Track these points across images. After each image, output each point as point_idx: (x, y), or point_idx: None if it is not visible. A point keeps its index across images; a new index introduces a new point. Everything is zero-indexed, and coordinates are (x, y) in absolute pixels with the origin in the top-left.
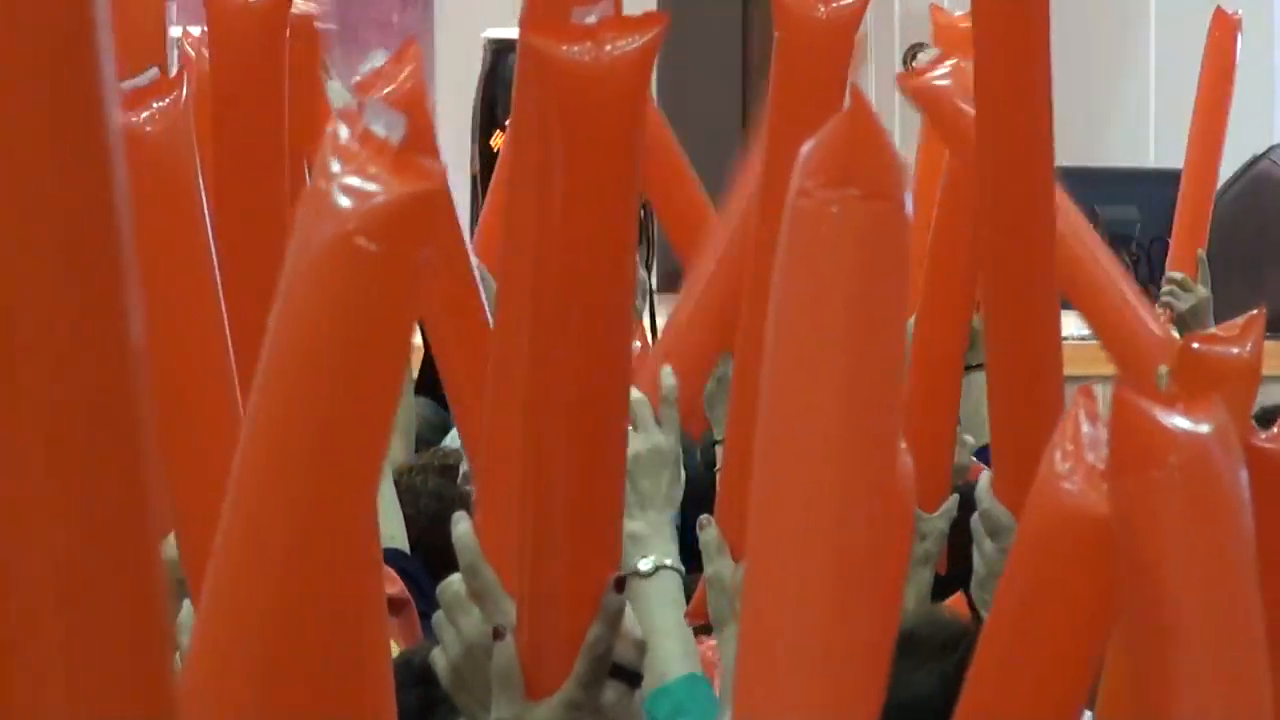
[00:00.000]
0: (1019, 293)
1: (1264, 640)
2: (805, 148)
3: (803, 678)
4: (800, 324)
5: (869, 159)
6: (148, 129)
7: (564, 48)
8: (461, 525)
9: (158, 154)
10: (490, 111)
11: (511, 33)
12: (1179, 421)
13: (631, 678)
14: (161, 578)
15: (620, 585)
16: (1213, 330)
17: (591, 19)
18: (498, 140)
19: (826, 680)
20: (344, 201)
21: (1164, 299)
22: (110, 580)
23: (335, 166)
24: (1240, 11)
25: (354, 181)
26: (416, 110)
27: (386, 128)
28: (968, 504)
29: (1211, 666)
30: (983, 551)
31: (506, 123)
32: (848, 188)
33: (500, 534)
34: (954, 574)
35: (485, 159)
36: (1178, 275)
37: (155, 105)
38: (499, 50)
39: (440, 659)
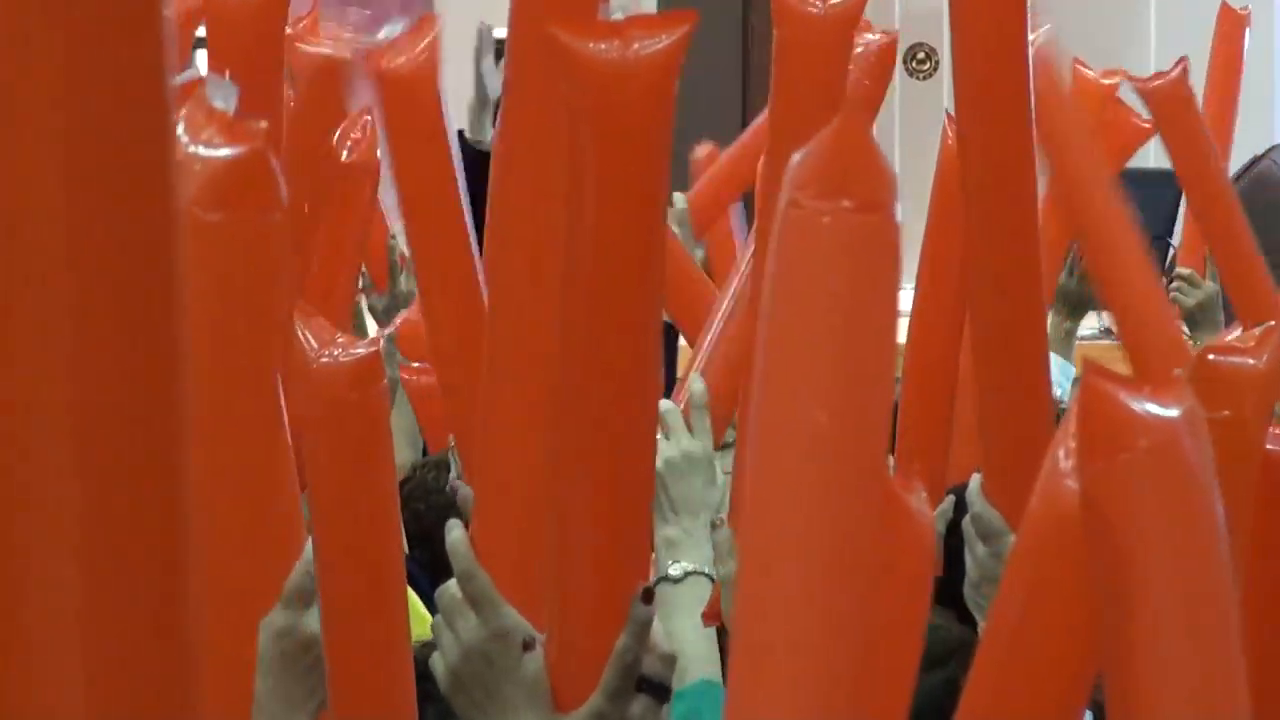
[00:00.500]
0: (1005, 296)
1: (1237, 623)
2: (796, 157)
3: (794, 687)
4: (791, 336)
5: (861, 170)
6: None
7: (591, 45)
8: (455, 532)
9: None
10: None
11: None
12: (1147, 406)
13: (660, 691)
14: (191, 579)
15: (648, 596)
16: (1230, 340)
17: (618, 16)
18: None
19: (818, 691)
20: (185, 170)
21: (1172, 295)
22: (136, 581)
23: (183, 137)
24: (1247, 6)
25: (191, 151)
26: (425, 84)
27: (223, 100)
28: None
29: (1184, 649)
30: (975, 555)
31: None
32: (840, 199)
33: (497, 539)
34: (947, 576)
35: None
36: (1185, 271)
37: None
38: (499, 50)
39: (439, 663)
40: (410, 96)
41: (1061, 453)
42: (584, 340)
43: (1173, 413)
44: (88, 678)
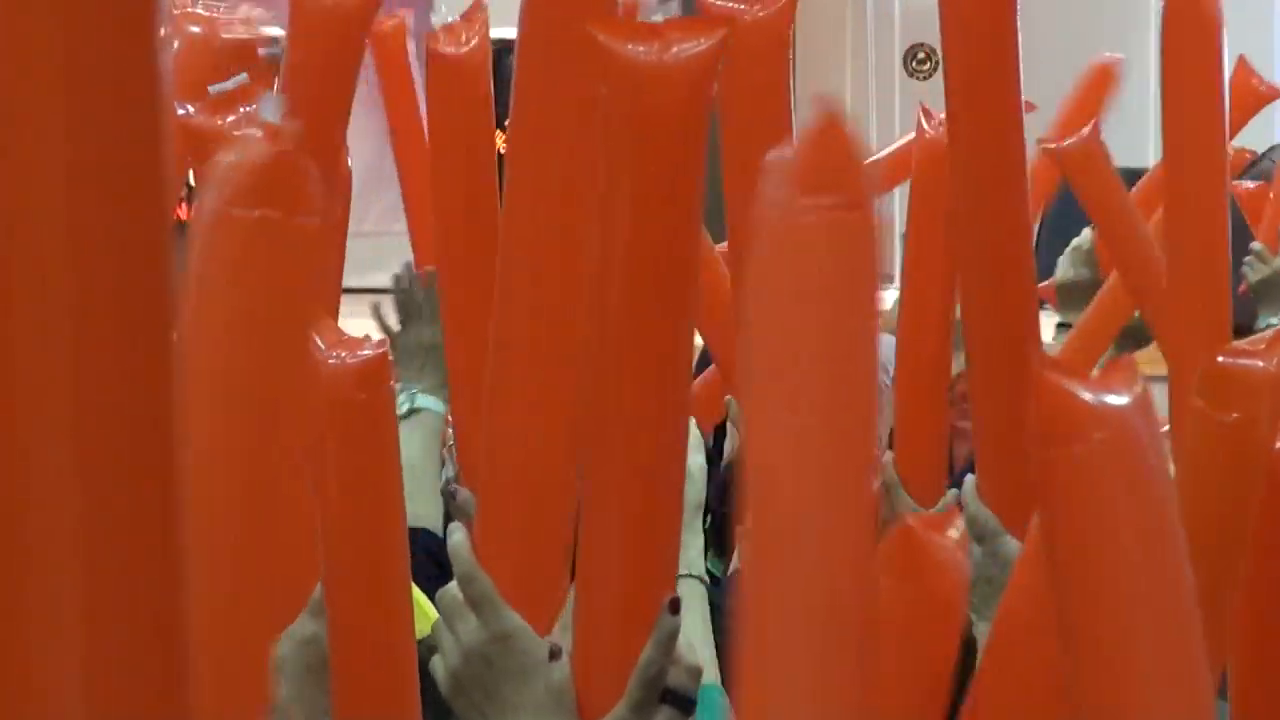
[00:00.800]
0: (997, 296)
1: (1196, 611)
2: (774, 155)
3: (790, 686)
4: (772, 335)
5: (841, 168)
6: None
7: (630, 47)
8: (457, 535)
9: None
10: None
11: (512, 33)
12: (1099, 395)
13: (684, 703)
14: (184, 581)
15: (675, 607)
16: (1241, 344)
17: (658, 18)
18: (499, 140)
19: (813, 691)
20: (222, 174)
21: (1242, 270)
22: (136, 581)
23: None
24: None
25: (231, 156)
26: (478, 72)
27: (272, 114)
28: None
29: (1144, 636)
30: (970, 555)
31: (507, 123)
32: (819, 197)
33: (499, 541)
34: None
35: None
36: (1258, 246)
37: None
38: (499, 50)
39: (439, 665)
40: (461, 82)
41: None
42: (615, 346)
43: (1124, 399)
44: (87, 678)
